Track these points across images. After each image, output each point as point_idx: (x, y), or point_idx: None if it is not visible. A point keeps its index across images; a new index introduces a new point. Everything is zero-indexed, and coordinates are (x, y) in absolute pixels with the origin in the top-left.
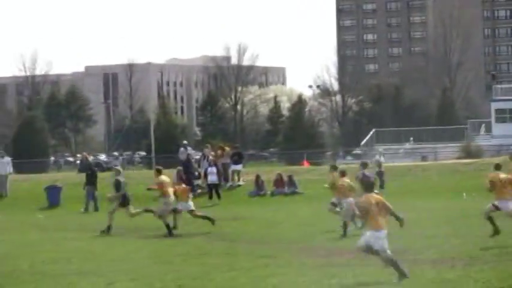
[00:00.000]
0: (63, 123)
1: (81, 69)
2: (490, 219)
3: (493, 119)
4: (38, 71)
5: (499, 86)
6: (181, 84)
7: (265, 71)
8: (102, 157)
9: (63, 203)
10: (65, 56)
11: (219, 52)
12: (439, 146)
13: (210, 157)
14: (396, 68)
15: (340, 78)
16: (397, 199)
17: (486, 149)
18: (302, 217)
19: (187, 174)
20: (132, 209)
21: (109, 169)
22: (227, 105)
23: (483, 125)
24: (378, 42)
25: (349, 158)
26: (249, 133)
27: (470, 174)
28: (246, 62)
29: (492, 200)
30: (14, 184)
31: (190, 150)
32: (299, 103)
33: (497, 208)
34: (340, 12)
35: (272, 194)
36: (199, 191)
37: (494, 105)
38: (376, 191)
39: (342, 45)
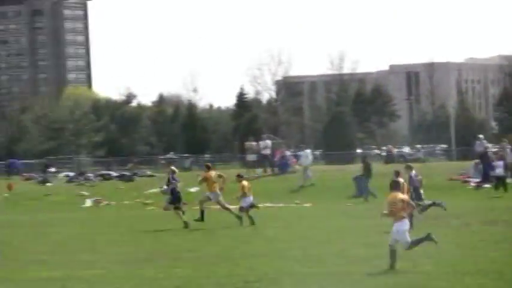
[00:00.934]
0: (368, 118)
1: (386, 67)
2: None
3: None
4: (345, 70)
5: None
6: (478, 82)
7: None
8: (406, 149)
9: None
10: (370, 55)
11: None
12: None
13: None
14: None
15: None
16: None
17: None
18: None
19: (484, 166)
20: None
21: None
22: None
23: None
24: None
25: None
26: None
27: None
28: None
29: None
30: (323, 174)
31: (486, 143)
32: None
33: None
34: None
35: None
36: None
37: None
38: None
39: None
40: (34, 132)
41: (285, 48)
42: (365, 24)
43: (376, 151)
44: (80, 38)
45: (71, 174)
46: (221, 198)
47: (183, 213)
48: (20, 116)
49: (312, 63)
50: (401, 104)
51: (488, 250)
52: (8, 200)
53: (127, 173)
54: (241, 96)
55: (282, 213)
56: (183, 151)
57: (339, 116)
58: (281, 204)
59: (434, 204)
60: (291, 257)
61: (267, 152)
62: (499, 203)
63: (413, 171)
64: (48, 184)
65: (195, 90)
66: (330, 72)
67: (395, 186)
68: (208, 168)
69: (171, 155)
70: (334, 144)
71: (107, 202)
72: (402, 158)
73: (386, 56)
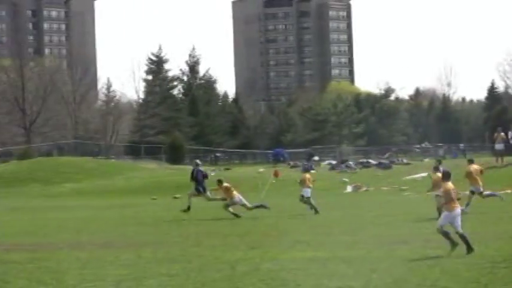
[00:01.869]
0: None
1: None
2: None
3: None
4: None
5: None
6: None
7: None
8: None
9: None
10: None
11: None
12: None
13: None
14: None
15: None
16: None
17: None
18: None
19: None
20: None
21: None
22: None
23: None
24: None
25: None
26: None
27: None
28: None
29: None
30: None
31: None
32: None
33: None
34: None
35: None
36: None
37: None
38: None
39: None
40: (299, 123)
41: None
42: None
43: None
44: (343, 37)
45: (333, 162)
46: None
47: None
48: (287, 109)
49: None
50: None
51: None
52: (273, 185)
53: (385, 161)
54: (491, 90)
55: None
56: (437, 141)
57: None
58: None
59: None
60: None
61: None
62: None
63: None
64: (312, 172)
65: (449, 85)
66: None
67: (447, 176)
68: None
69: (425, 144)
70: None
71: (365, 188)
72: None
73: None
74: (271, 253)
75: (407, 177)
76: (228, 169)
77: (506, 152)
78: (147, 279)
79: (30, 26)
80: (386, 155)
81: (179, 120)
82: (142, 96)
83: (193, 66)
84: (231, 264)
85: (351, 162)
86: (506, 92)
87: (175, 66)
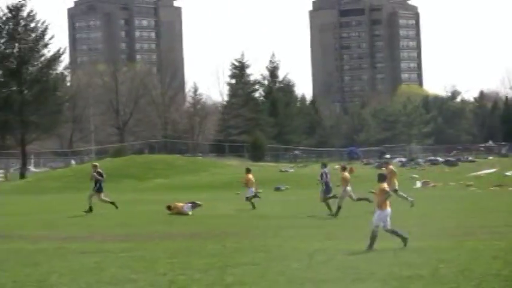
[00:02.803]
0: None
1: None
2: None
3: None
4: None
5: None
6: None
7: None
8: None
9: None
10: None
11: None
12: None
13: None
14: None
15: None
16: None
17: None
18: None
19: None
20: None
21: None
22: None
23: None
24: None
25: None
26: None
27: None
28: None
29: None
30: None
31: None
32: None
33: None
34: None
35: None
36: None
37: None
38: None
39: None
40: (372, 124)
41: None
42: None
43: None
44: (412, 43)
45: (404, 159)
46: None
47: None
48: (360, 110)
49: None
50: None
51: None
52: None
53: (452, 159)
54: None
55: None
56: (500, 140)
57: None
58: None
59: None
60: None
61: None
62: None
63: None
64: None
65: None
66: None
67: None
68: None
69: (489, 143)
70: None
71: (434, 184)
72: None
73: None
74: (345, 244)
75: (473, 174)
76: (305, 166)
77: None
78: (232, 268)
79: (123, 34)
80: (453, 153)
81: (260, 121)
82: (226, 98)
83: (273, 71)
84: (308, 254)
85: (420, 160)
86: None
87: (257, 71)
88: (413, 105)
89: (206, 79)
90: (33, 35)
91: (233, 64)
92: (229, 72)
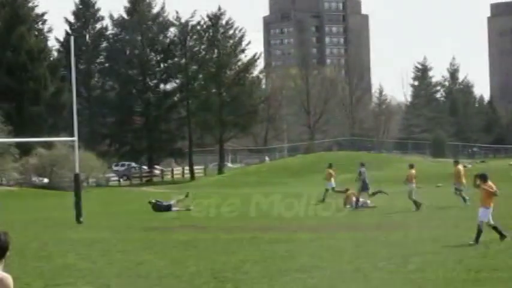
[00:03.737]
0: None
1: None
2: None
3: None
4: None
5: None
6: None
7: None
8: None
9: None
10: None
11: None
12: None
13: None
14: None
15: None
16: None
17: None
18: None
19: None
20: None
21: None
22: None
23: None
24: None
25: None
26: None
27: None
28: None
29: None
30: None
31: None
32: None
33: None
34: None
35: None
36: None
37: None
38: None
39: None
40: None
41: None
42: None
43: None
44: None
45: None
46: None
47: None
48: None
49: None
50: None
51: None
52: None
53: None
54: None
55: None
56: None
57: None
58: None
59: None
60: None
61: None
62: None
63: None
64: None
65: None
66: None
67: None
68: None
69: None
70: None
71: None
72: None
73: None
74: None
75: None
76: (483, 162)
77: None
78: (413, 257)
79: (314, 40)
80: None
81: (441, 120)
82: (409, 99)
83: (453, 73)
84: (485, 244)
85: None
86: None
87: (438, 73)
88: None
89: (391, 81)
90: (231, 41)
91: (416, 67)
92: (413, 75)
